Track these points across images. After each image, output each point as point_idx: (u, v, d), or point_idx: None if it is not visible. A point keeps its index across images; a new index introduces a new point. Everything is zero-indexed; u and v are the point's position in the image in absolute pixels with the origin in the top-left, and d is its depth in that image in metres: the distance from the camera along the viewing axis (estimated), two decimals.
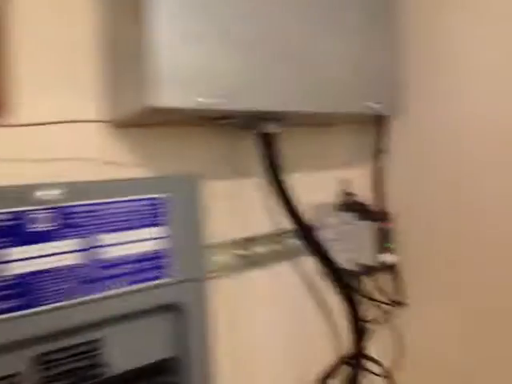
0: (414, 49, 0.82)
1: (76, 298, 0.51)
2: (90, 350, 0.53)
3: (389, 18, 0.75)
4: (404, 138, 0.86)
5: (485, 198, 0.75)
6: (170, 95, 0.52)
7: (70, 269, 0.51)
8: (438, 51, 0.79)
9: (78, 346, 0.53)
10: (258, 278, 0.81)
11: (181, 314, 0.59)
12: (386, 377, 0.90)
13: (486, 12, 0.73)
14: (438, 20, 0.79)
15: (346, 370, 0.86)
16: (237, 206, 0.79)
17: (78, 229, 0.51)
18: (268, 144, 0.69)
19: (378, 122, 0.87)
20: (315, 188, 0.87)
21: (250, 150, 0.75)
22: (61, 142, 0.60)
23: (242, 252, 0.78)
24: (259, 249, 0.81)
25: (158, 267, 0.57)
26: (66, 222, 0.50)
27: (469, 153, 0.77)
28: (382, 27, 0.74)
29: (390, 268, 0.81)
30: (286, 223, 0.76)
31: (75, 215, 0.51)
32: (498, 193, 0.74)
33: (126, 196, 0.55)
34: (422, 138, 0.84)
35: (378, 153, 0.87)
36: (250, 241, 0.80)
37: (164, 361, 0.59)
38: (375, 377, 0.91)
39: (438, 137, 0.81)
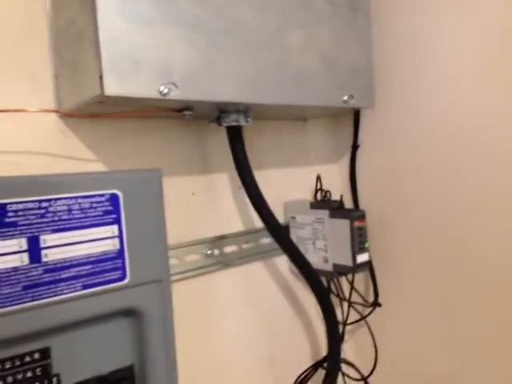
0: (389, 43, 0.79)
1: (21, 304, 0.47)
2: (37, 360, 0.49)
3: (363, 11, 0.73)
4: (374, 133, 0.83)
5: (455, 194, 0.73)
6: (120, 83, 0.48)
7: (12, 272, 0.46)
8: (413, 46, 0.76)
9: (23, 355, 0.48)
10: (230, 279, 0.78)
11: (141, 319, 0.55)
12: (362, 380, 0.87)
13: (459, 7, 0.70)
14: (412, 14, 0.76)
15: (322, 374, 0.82)
16: (207, 204, 0.75)
17: (21, 228, 0.47)
18: (236, 138, 0.65)
19: (355, 117, 0.85)
20: (288, 184, 0.84)
21: (220, 144, 0.72)
22: (5, 133, 0.56)
23: (212, 251, 0.75)
24: (231, 248, 0.78)
25: (115, 269, 0.53)
26: (8, 221, 0.46)
27: (439, 148, 0.74)
28: (355, 20, 0.71)
29: (365, 268, 0.78)
30: (259, 221, 0.73)
31: (18, 213, 0.46)
32: (468, 189, 0.71)
33: (78, 192, 0.50)
34: (391, 134, 0.81)
35: (354, 148, 0.85)
36: (220, 240, 0.76)
37: (122, 370, 0.55)
38: (351, 380, 0.89)
39: (407, 133, 0.79)
